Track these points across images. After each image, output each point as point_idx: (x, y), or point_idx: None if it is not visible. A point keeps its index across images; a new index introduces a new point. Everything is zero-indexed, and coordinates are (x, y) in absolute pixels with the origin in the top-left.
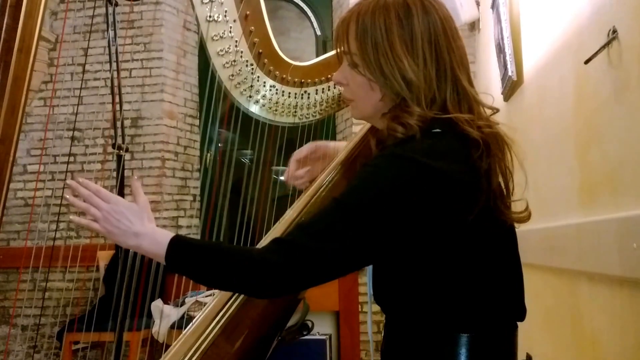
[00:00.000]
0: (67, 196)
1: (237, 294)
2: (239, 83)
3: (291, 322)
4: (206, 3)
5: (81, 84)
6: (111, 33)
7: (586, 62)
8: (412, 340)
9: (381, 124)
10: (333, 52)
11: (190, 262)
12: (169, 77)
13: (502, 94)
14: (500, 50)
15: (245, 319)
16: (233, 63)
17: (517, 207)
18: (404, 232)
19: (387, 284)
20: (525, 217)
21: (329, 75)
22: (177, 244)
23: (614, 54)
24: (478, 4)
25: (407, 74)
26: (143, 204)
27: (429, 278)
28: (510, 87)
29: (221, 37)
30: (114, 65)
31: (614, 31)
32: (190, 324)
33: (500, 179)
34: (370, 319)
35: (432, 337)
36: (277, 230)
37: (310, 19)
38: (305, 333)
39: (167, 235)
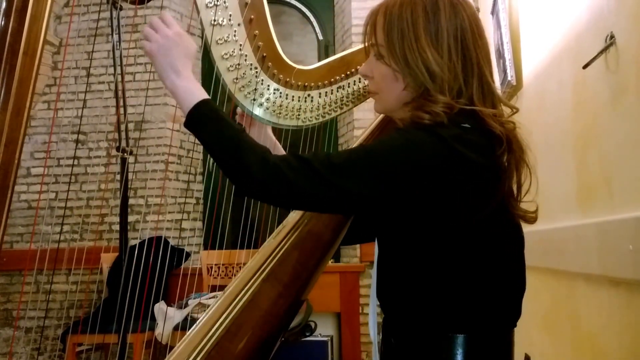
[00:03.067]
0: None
1: (240, 297)
2: (243, 86)
3: (294, 323)
4: (210, 7)
5: (86, 87)
6: (115, 37)
7: (584, 67)
8: (410, 340)
9: (403, 114)
10: (336, 56)
11: (209, 126)
12: None
13: None
14: (499, 55)
15: (249, 320)
16: (237, 66)
17: (528, 207)
18: (416, 203)
19: (390, 279)
20: (534, 218)
21: (332, 79)
22: (206, 105)
23: (612, 59)
24: (478, 10)
25: (430, 65)
26: (194, 50)
27: (431, 276)
28: (510, 91)
29: (225, 41)
30: (118, 69)
31: (612, 37)
32: (195, 324)
33: (515, 177)
34: (375, 319)
35: (429, 338)
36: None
37: (313, 24)
38: (308, 334)
39: (201, 91)
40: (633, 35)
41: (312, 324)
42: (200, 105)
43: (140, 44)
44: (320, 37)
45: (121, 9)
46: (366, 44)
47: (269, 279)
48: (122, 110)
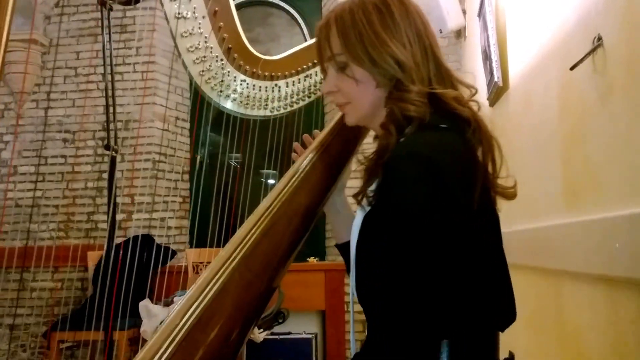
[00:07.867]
0: None
1: (211, 286)
2: (209, 78)
3: (266, 312)
4: (174, 0)
5: (78, 85)
6: (105, 37)
7: (571, 68)
8: (394, 346)
9: (380, 119)
10: (302, 46)
11: None
12: (161, 81)
13: (487, 99)
14: (486, 56)
15: (221, 309)
16: (203, 59)
17: (507, 182)
18: (451, 238)
19: (368, 285)
20: (513, 193)
21: (299, 68)
22: None
23: (599, 61)
24: (464, 12)
25: (397, 56)
26: None
27: (415, 283)
28: (496, 92)
29: (190, 34)
30: (108, 68)
31: (599, 38)
32: (166, 316)
33: (489, 154)
34: (353, 319)
35: (413, 343)
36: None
37: (300, 25)
38: (280, 321)
39: None
40: (620, 37)
41: (285, 312)
42: None
43: None
44: (308, 39)
45: (111, 9)
46: (322, 61)
47: (239, 267)
48: (111, 110)
